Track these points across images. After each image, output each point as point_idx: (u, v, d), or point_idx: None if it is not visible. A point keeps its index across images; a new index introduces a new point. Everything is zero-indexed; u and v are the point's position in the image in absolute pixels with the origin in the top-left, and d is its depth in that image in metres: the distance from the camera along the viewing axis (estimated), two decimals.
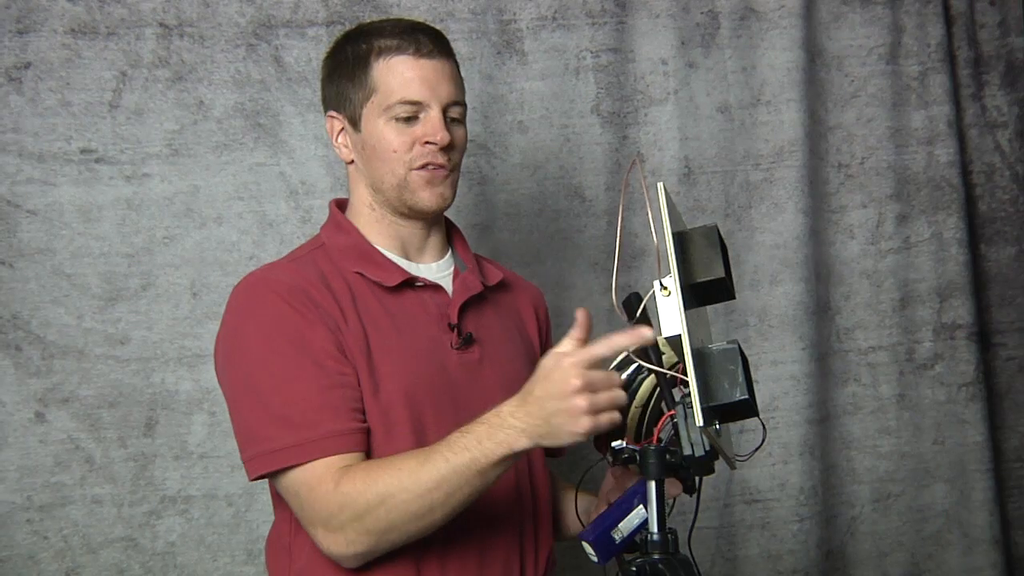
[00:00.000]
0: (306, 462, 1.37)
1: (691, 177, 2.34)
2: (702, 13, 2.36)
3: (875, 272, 2.46)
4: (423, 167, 1.50)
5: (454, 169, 1.54)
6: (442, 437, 1.39)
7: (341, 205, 1.62)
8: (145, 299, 2.07)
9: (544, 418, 1.26)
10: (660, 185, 1.23)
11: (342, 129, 1.56)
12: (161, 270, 2.07)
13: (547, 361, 1.28)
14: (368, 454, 1.42)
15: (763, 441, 1.48)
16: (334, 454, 1.37)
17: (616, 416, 1.26)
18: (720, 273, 1.23)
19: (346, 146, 1.57)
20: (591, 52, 2.30)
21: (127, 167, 2.07)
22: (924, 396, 2.48)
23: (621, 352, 1.32)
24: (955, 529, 2.48)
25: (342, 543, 1.36)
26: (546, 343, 1.72)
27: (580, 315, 1.30)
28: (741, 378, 1.16)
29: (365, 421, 1.42)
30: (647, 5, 2.32)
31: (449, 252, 1.63)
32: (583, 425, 1.24)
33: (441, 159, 1.50)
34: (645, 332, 1.24)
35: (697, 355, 1.18)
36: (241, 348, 1.46)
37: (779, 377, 2.37)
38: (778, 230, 2.38)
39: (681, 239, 1.24)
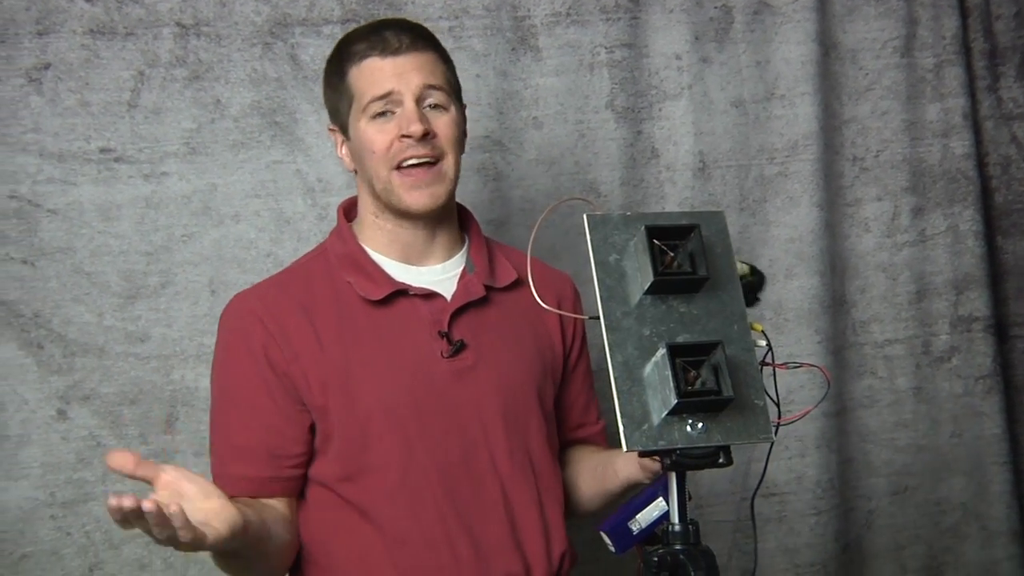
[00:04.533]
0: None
1: (706, 171, 2.35)
2: (716, 8, 2.36)
3: (891, 265, 2.46)
4: (407, 166, 1.48)
5: (441, 159, 1.49)
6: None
7: (350, 207, 1.63)
8: (164, 297, 2.08)
9: None
10: (585, 217, 1.21)
11: (342, 140, 1.57)
12: (180, 268, 2.09)
13: None
14: (303, 494, 1.51)
15: (826, 395, 1.55)
16: (236, 495, 1.39)
17: None
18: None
19: (347, 156, 1.57)
20: (605, 48, 2.30)
21: (145, 166, 2.08)
22: (941, 389, 2.48)
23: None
24: (973, 522, 2.48)
25: None
26: (574, 333, 1.67)
27: None
28: (671, 383, 1.14)
29: (297, 467, 1.48)
30: (661, 0, 2.33)
31: (462, 251, 1.60)
32: None
33: (422, 150, 1.47)
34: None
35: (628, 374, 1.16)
36: (213, 373, 1.55)
37: (795, 371, 2.37)
38: (793, 224, 2.38)
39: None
